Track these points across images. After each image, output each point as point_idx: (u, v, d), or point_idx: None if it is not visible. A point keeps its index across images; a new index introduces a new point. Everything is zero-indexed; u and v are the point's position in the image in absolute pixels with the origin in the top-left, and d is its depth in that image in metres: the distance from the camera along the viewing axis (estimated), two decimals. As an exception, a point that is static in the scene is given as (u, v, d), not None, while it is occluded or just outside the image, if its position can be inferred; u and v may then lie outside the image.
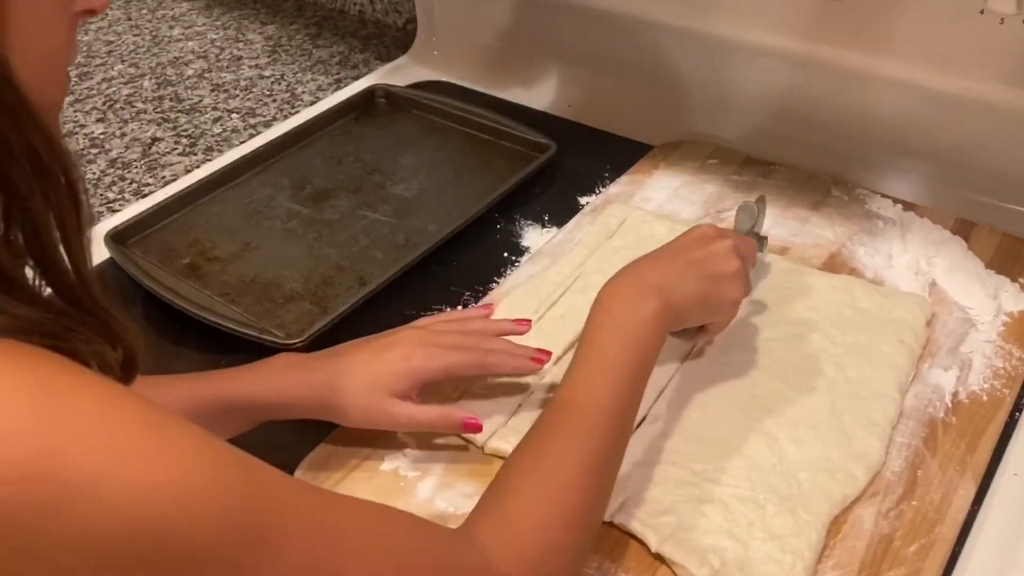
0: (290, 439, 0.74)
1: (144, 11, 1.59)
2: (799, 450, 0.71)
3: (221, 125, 1.26)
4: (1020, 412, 0.76)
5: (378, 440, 0.74)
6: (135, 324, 0.47)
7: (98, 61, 1.43)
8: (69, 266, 0.43)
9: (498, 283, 0.91)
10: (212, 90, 1.34)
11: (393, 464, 0.73)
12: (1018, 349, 0.80)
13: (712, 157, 1.06)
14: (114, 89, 1.36)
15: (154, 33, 1.51)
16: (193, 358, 0.86)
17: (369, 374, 0.70)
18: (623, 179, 1.04)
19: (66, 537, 0.36)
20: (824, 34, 1.00)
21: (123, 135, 1.25)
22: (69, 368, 0.39)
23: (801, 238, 0.94)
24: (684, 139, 1.09)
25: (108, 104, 1.32)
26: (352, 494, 0.58)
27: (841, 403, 0.75)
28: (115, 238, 0.96)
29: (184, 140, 1.23)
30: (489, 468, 0.71)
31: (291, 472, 0.72)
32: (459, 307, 0.89)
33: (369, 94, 1.21)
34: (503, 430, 0.74)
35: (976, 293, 0.85)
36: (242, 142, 1.20)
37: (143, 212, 1.00)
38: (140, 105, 1.31)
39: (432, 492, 0.71)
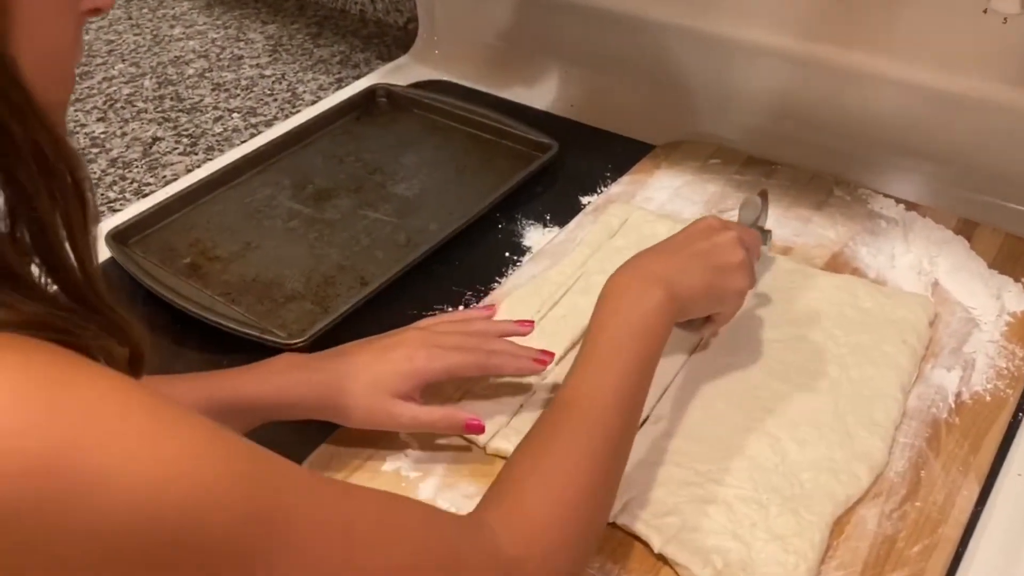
0: (291, 440, 0.74)
1: (145, 10, 1.59)
2: (802, 450, 0.71)
3: (222, 124, 1.26)
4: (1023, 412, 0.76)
5: (380, 441, 0.74)
6: (141, 322, 0.47)
7: (99, 60, 1.43)
8: (75, 264, 0.43)
9: (500, 283, 0.91)
10: (213, 89, 1.34)
11: (395, 464, 0.73)
12: (1021, 349, 0.80)
13: (714, 157, 1.06)
14: (115, 88, 1.35)
15: (155, 32, 1.51)
16: (194, 358, 0.85)
17: (372, 375, 0.70)
18: (625, 179, 1.04)
19: (80, 531, 0.36)
20: (827, 33, 1.00)
21: (124, 134, 1.24)
22: (80, 362, 0.39)
23: (803, 238, 0.94)
24: (686, 139, 1.09)
25: (109, 103, 1.32)
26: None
27: (844, 403, 0.75)
28: (116, 238, 0.96)
29: (185, 139, 1.23)
30: (491, 468, 0.70)
31: (293, 472, 0.72)
32: (461, 307, 0.89)
33: (370, 93, 1.21)
34: (505, 430, 0.74)
35: (979, 293, 0.85)
36: (243, 141, 1.19)
37: (144, 212, 1.00)
38: (141, 104, 1.31)
39: (434, 493, 0.70)
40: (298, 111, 1.26)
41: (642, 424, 0.74)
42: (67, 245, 0.42)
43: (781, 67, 1.04)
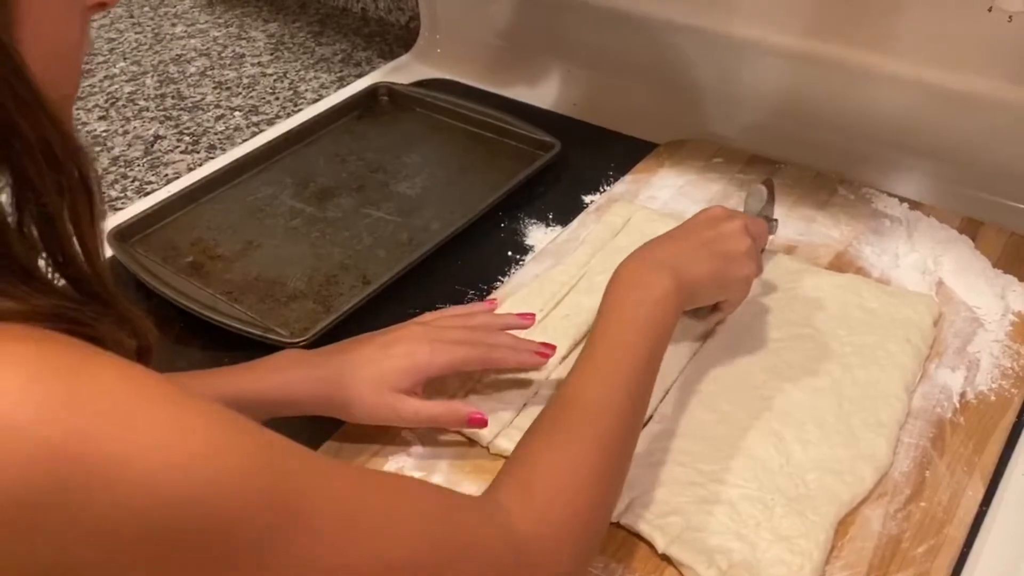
0: (294, 437, 0.73)
1: (146, 8, 1.59)
2: (806, 451, 0.71)
3: (224, 123, 1.25)
4: (1028, 412, 0.76)
5: (383, 438, 0.74)
6: (148, 316, 0.47)
7: (100, 58, 1.43)
8: (83, 258, 0.43)
9: (502, 282, 0.91)
10: (215, 88, 1.34)
11: (398, 463, 0.72)
12: (1026, 349, 0.79)
13: (717, 156, 1.05)
14: (116, 87, 1.35)
15: (156, 30, 1.51)
16: (196, 357, 0.85)
17: (374, 370, 0.70)
18: (628, 178, 1.04)
19: (101, 516, 0.36)
20: (830, 32, 1.00)
21: (125, 133, 1.24)
22: (95, 351, 0.39)
23: (807, 237, 0.94)
24: (689, 137, 1.09)
25: (110, 102, 1.31)
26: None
27: (848, 403, 0.75)
28: (118, 236, 0.95)
29: (187, 138, 1.23)
30: (494, 466, 0.70)
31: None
32: (463, 306, 0.89)
33: (372, 92, 1.21)
34: (508, 429, 0.74)
35: (983, 292, 0.85)
36: (245, 140, 1.19)
37: (146, 210, 1.00)
38: (142, 103, 1.31)
39: (438, 491, 0.70)
40: (300, 110, 1.25)
41: (645, 424, 0.73)
42: (74, 239, 0.43)
43: (785, 66, 1.04)
